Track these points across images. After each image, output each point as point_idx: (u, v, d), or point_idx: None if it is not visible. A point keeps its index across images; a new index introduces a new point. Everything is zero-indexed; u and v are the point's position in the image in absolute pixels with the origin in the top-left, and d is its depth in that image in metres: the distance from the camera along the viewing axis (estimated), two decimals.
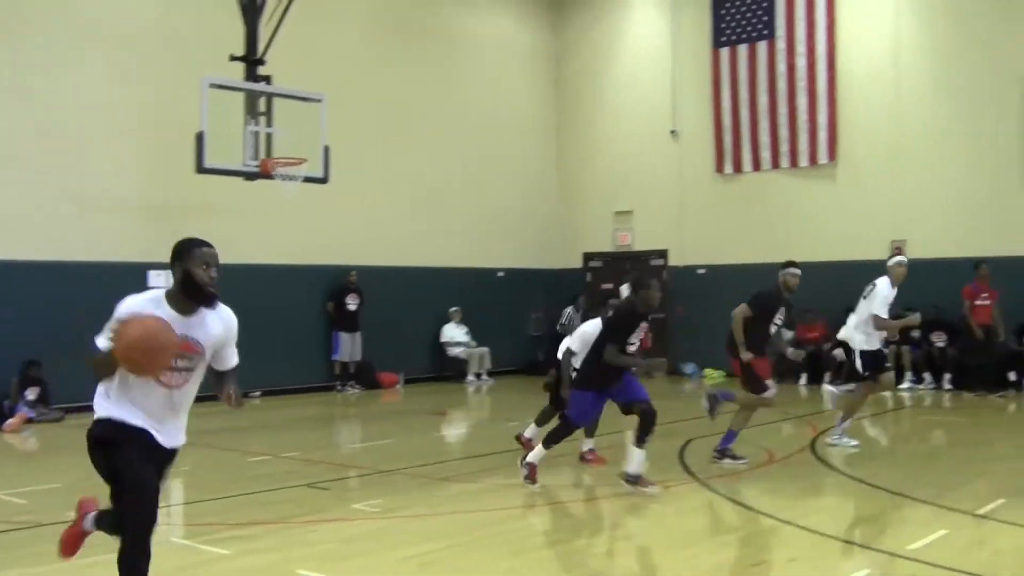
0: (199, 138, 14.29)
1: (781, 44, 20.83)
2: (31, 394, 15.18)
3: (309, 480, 10.15)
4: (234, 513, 8.52)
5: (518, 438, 11.12)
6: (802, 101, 20.56)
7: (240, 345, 5.50)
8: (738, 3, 21.40)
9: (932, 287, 17.03)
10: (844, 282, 17.24)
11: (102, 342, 4.98)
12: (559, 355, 10.98)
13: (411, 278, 20.69)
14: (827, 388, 14.50)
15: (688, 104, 22.23)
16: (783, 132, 20.83)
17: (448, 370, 21.19)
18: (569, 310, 19.48)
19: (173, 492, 9.43)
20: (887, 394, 16.16)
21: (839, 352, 18.59)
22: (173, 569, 6.62)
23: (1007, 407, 16.33)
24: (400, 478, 10.37)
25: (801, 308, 16.54)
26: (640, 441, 9.19)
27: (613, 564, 7.44)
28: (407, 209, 20.74)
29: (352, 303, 19.36)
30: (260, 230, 17.86)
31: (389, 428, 15.02)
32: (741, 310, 10.82)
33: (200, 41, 16.72)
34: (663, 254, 22.53)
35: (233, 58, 15.43)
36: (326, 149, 15.53)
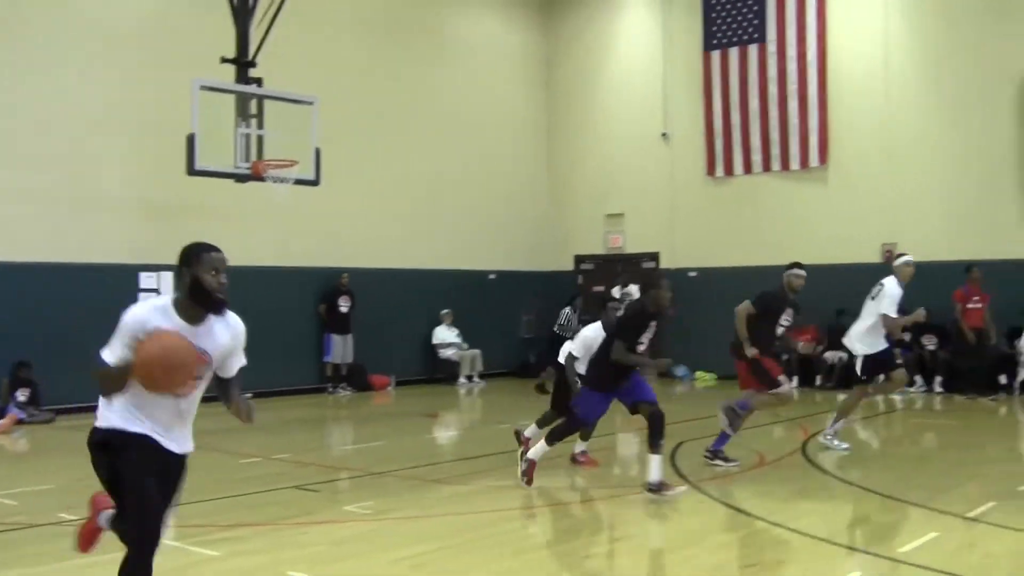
0: (190, 140, 14.27)
1: (772, 47, 20.86)
2: (22, 395, 15.13)
3: (300, 482, 10.14)
4: (224, 515, 8.50)
5: (517, 434, 11.07)
6: (793, 104, 20.59)
7: None
8: (729, 7, 21.43)
9: (923, 290, 16.95)
10: (835, 285, 17.34)
11: (108, 356, 4.75)
12: (560, 359, 10.99)
13: (403, 280, 20.69)
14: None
15: (679, 107, 22.25)
16: (774, 135, 20.86)
17: (439, 372, 21.18)
18: (567, 311, 19.40)
19: None
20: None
21: (830, 355, 18.69)
22: (162, 570, 6.53)
23: (998, 410, 16.37)
24: (391, 480, 10.36)
25: None
26: (654, 446, 9.11)
27: (605, 567, 7.44)
28: (398, 211, 20.74)
29: (344, 305, 19.35)
30: (251, 232, 17.82)
31: (380, 430, 15.01)
32: (744, 307, 10.82)
33: (191, 43, 16.67)
34: (654, 257, 22.53)
35: (224, 60, 15.42)
36: (317, 151, 15.53)
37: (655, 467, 9.10)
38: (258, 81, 15.47)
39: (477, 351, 21.41)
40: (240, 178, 15.28)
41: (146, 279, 16.30)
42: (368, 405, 18.43)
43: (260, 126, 15.23)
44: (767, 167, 21.04)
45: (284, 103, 15.42)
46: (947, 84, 19.01)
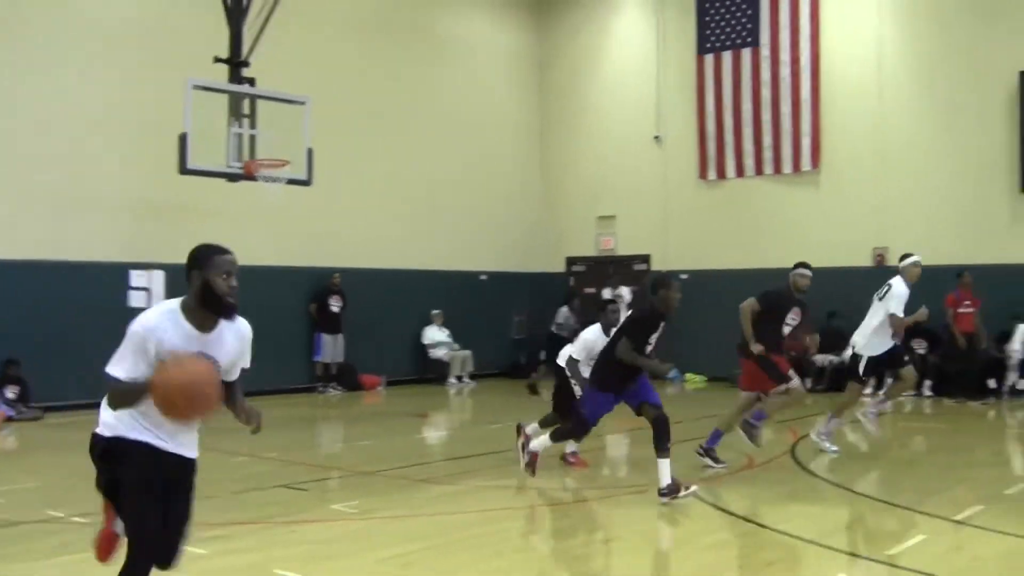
0: (182, 139, 14.24)
1: (765, 51, 20.89)
2: (10, 392, 15.11)
3: (288, 481, 10.13)
4: (213, 513, 8.46)
5: (519, 428, 11.03)
6: (786, 108, 20.62)
7: None
8: (723, 10, 21.46)
9: (914, 294, 16.94)
10: (826, 289, 17.30)
11: (118, 370, 4.56)
12: (560, 361, 10.97)
13: (394, 280, 20.68)
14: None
15: (672, 110, 22.27)
16: (767, 139, 20.89)
17: (430, 372, 21.17)
18: (564, 310, 19.45)
19: None
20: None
21: (820, 358, 18.70)
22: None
23: (987, 413, 16.40)
24: (380, 480, 10.36)
25: None
26: (661, 451, 9.02)
27: (592, 567, 7.44)
28: (390, 212, 20.74)
29: (335, 305, 19.35)
30: (243, 231, 17.73)
31: (370, 430, 15.00)
32: (749, 303, 10.82)
33: (184, 43, 16.67)
34: (646, 259, 22.54)
35: (217, 60, 15.40)
36: (309, 151, 15.51)
37: (664, 470, 8.99)
38: (251, 81, 15.46)
39: (468, 352, 21.40)
40: (232, 177, 15.26)
41: (137, 277, 16.26)
42: (358, 405, 18.43)
43: (253, 126, 15.22)
44: (759, 170, 21.07)
45: (277, 103, 15.41)
46: (940, 89, 19.05)
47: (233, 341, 4.85)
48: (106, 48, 16.59)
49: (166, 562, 4.82)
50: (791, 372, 10.87)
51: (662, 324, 9.32)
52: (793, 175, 20.66)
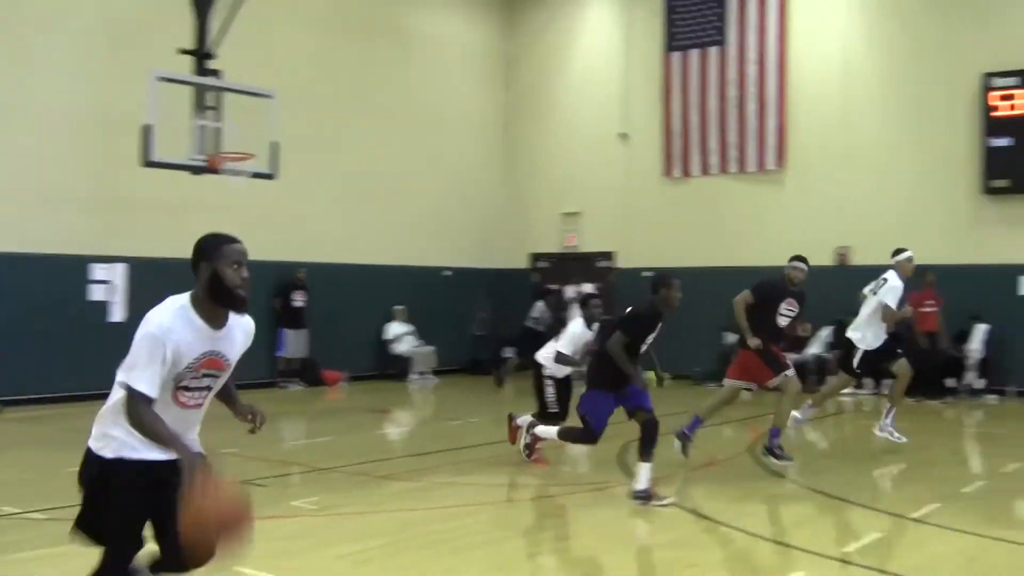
0: (146, 131, 14.07)
1: (732, 50, 20.95)
2: None
3: (247, 477, 10.06)
4: None
5: (510, 417, 11.01)
6: (752, 107, 20.69)
7: None
8: (691, 9, 21.51)
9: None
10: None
11: (143, 384, 4.22)
12: (539, 357, 11.00)
13: (357, 276, 20.59)
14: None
15: (639, 108, 22.29)
16: (732, 137, 20.96)
17: (392, 368, 21.11)
18: (540, 304, 19.41)
19: None
20: (845, 398, 16.41)
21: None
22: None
23: (944, 412, 16.54)
24: (339, 476, 10.33)
25: None
26: (645, 455, 8.92)
27: (550, 564, 7.45)
28: (354, 207, 20.66)
29: (299, 300, 19.26)
30: (206, 225, 17.24)
31: (330, 426, 14.95)
32: (742, 296, 10.90)
33: (148, 33, 16.52)
34: (610, 256, 22.58)
35: (182, 51, 15.29)
36: (274, 145, 15.40)
37: (644, 475, 8.89)
38: (216, 73, 15.35)
39: (431, 347, 21.36)
40: (196, 170, 15.12)
41: (99, 271, 16.10)
42: (319, 400, 18.35)
43: (218, 119, 15.12)
44: (724, 169, 21.13)
45: (243, 96, 15.31)
46: (906, 89, 19.15)
47: (239, 336, 4.65)
48: (69, 39, 16.41)
49: (184, 567, 4.46)
50: (788, 362, 11.01)
51: (660, 324, 9.26)
52: (758, 174, 20.74)
